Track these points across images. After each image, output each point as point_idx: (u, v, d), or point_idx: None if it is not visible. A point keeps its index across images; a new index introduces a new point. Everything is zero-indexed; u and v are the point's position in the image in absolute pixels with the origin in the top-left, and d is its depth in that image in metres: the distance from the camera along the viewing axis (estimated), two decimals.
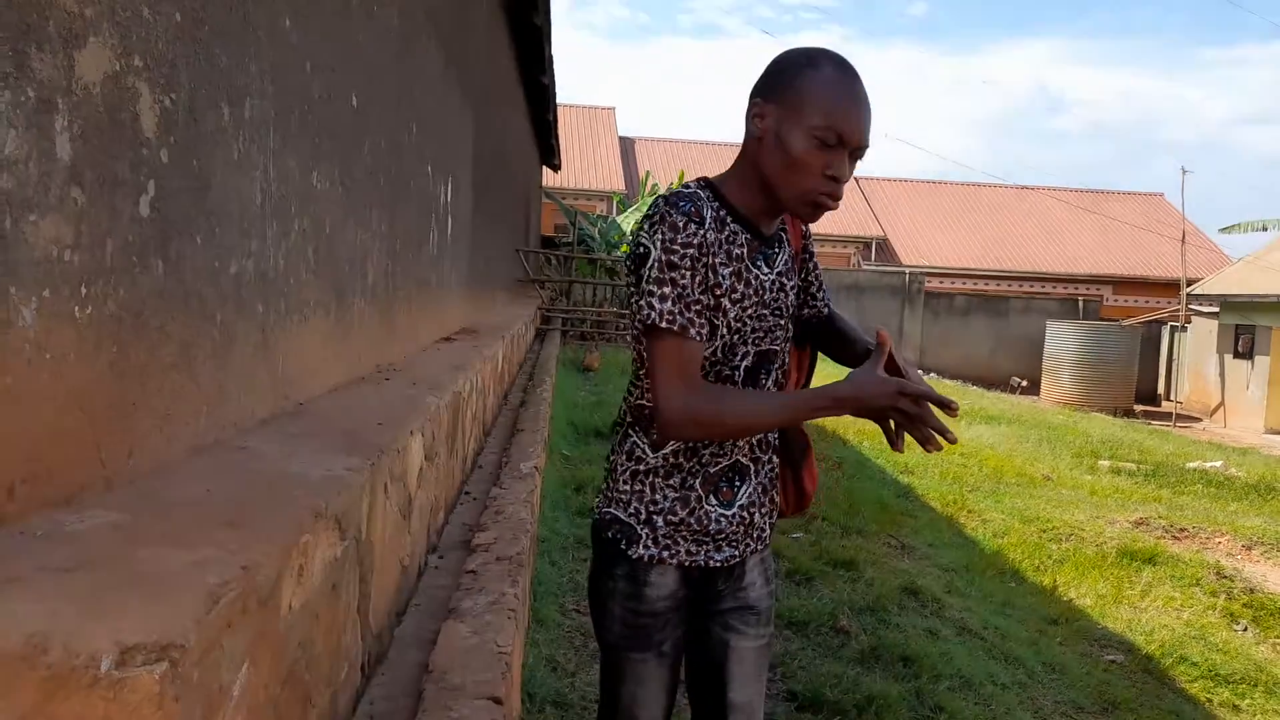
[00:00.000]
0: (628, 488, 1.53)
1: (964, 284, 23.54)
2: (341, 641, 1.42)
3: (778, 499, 1.65)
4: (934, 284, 21.38)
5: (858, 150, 1.38)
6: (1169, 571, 4.92)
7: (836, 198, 1.41)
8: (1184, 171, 19.13)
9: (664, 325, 1.36)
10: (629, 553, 1.51)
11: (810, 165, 1.36)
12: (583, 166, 25.25)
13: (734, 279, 1.42)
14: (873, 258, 24.16)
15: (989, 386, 16.52)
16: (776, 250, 1.51)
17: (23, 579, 0.87)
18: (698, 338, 1.38)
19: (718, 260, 1.39)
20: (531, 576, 3.05)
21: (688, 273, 1.36)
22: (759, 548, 1.61)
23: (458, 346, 3.67)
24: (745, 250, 1.44)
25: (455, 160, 4.08)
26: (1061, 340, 16.73)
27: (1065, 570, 4.88)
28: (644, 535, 1.51)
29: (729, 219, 1.43)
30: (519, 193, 9.30)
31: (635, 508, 1.52)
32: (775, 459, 1.62)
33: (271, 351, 1.70)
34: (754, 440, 1.54)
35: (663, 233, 1.37)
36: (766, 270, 1.48)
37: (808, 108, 1.35)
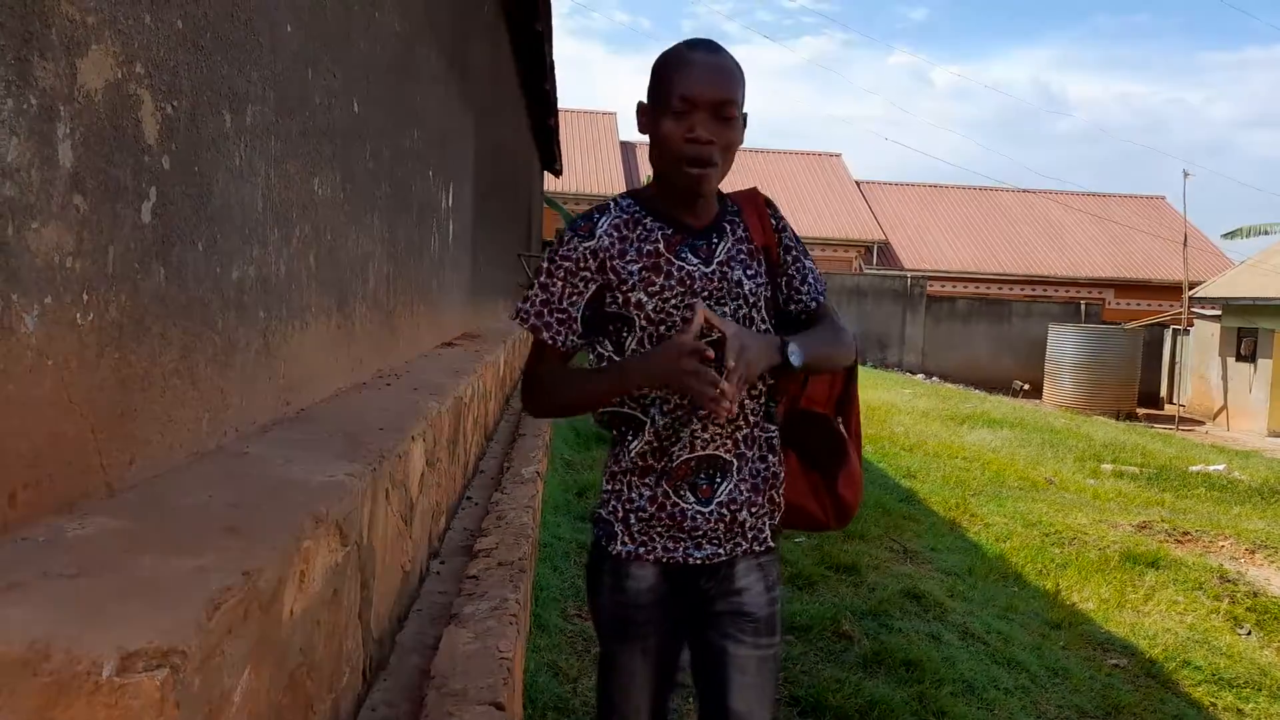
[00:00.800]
0: (609, 488, 1.60)
1: (966, 287, 23.53)
2: (343, 647, 1.42)
3: (779, 500, 1.62)
4: (936, 288, 21.38)
5: (718, 107, 1.42)
6: (1172, 575, 4.91)
7: (704, 158, 1.43)
8: (1186, 174, 19.17)
9: (518, 320, 1.55)
10: (609, 549, 1.57)
11: (672, 136, 1.44)
12: (584, 171, 25.28)
13: (648, 272, 1.49)
14: (874, 262, 24.17)
15: (991, 390, 16.50)
16: (715, 242, 1.52)
17: (25, 585, 0.87)
18: (550, 340, 1.52)
19: (619, 261, 1.49)
20: (533, 582, 3.05)
21: (560, 283, 1.51)
22: (753, 549, 1.58)
23: (459, 351, 3.68)
24: (663, 244, 1.50)
25: (456, 166, 4.08)
26: (1064, 344, 16.71)
27: (1068, 574, 4.87)
28: (620, 532, 1.57)
29: (646, 218, 1.52)
30: (520, 198, 9.32)
31: (614, 505, 1.58)
32: (773, 459, 1.60)
33: (273, 357, 1.70)
34: (738, 436, 1.53)
35: (551, 248, 1.54)
36: (696, 261, 1.50)
37: (660, 91, 1.46)
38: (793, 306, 1.63)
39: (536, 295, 1.52)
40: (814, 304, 1.64)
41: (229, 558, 1.01)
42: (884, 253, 24.63)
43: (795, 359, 1.46)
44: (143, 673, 0.79)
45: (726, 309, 1.51)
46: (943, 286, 22.75)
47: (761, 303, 1.55)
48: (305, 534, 1.18)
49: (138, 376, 1.20)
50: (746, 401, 1.54)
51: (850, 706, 2.94)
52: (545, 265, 1.53)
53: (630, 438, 1.55)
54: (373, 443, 1.70)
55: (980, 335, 18.91)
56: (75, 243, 1.05)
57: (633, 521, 1.56)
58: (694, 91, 1.42)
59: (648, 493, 1.54)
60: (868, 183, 27.95)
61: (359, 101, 2.25)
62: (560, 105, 10.64)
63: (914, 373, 17.95)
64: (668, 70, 1.46)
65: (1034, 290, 23.83)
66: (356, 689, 1.53)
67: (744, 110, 1.50)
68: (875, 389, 12.91)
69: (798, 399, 1.70)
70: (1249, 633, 4.34)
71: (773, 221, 1.61)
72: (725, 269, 1.52)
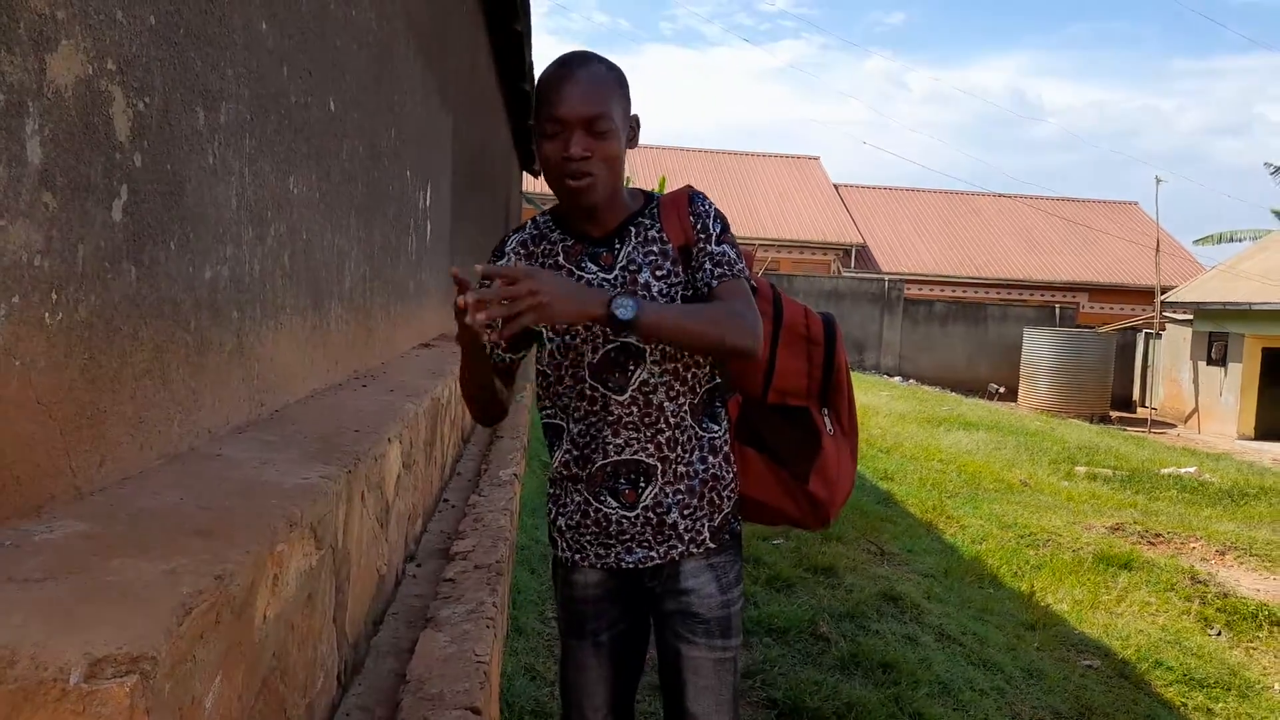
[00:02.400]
0: (549, 494, 1.65)
1: (943, 291, 23.71)
2: (317, 651, 1.40)
3: (721, 501, 1.58)
4: (913, 291, 21.53)
5: (589, 123, 1.43)
6: (1144, 577, 4.97)
7: (581, 174, 1.44)
8: (1158, 181, 19.39)
9: (457, 341, 1.57)
10: (558, 554, 1.64)
11: (551, 158, 1.46)
12: None
13: None
14: (852, 265, 24.31)
15: (967, 393, 16.65)
16: (617, 248, 1.52)
17: None
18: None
19: None
20: (510, 585, 3.04)
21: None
22: (690, 550, 1.56)
23: (436, 352, 3.65)
24: (563, 255, 1.54)
25: (434, 165, 4.06)
26: (1038, 347, 16.89)
27: (1042, 576, 4.92)
28: (558, 539, 1.62)
29: (554, 233, 1.56)
30: (499, 197, 9.29)
31: (553, 513, 1.63)
32: (714, 460, 1.57)
33: (247, 357, 1.68)
34: (660, 440, 1.51)
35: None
36: (595, 268, 1.52)
37: (537, 116, 1.48)
38: (701, 290, 1.53)
39: None
40: (706, 289, 1.51)
41: (200, 561, 1.00)
42: (862, 256, 24.78)
43: (622, 312, 1.31)
44: (111, 679, 0.78)
45: None
46: (920, 290, 22.92)
47: (676, 302, 1.51)
48: (279, 537, 1.17)
49: (108, 377, 1.18)
50: (666, 404, 1.51)
51: (828, 708, 2.95)
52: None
53: (555, 447, 1.60)
54: (348, 445, 1.68)
55: (957, 338, 19.07)
56: (44, 241, 1.03)
57: (564, 529, 1.60)
58: (562, 111, 1.43)
59: (574, 500, 1.58)
60: (846, 186, 28.10)
61: (335, 100, 2.23)
62: None
63: (891, 375, 18.08)
64: (541, 92, 1.48)
65: (1010, 294, 24.07)
66: (331, 693, 1.51)
67: (631, 115, 1.50)
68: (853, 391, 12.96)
69: (758, 394, 1.66)
70: (1219, 633, 4.40)
71: (691, 219, 1.55)
72: (626, 273, 1.51)
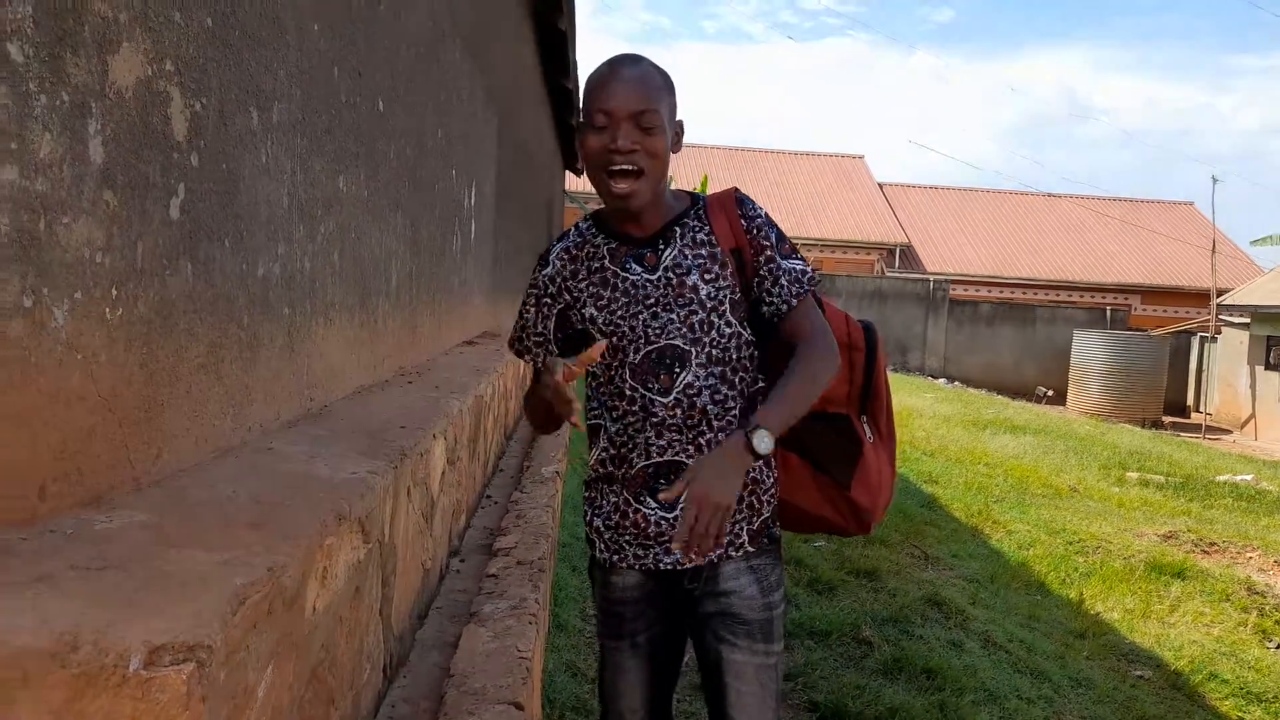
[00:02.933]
0: (585, 496, 1.65)
1: (990, 292, 23.31)
2: (364, 643, 1.42)
3: (761, 505, 1.57)
4: (959, 291, 21.20)
5: (638, 117, 1.44)
6: (1199, 586, 4.83)
7: (625, 167, 1.45)
8: (1215, 180, 18.84)
9: (513, 351, 1.68)
10: (594, 554, 1.65)
11: (595, 149, 1.46)
12: None
13: (596, 286, 1.54)
14: (896, 265, 24.00)
15: (1014, 396, 16.34)
16: (661, 249, 1.52)
17: (53, 577, 0.88)
18: (532, 363, 1.64)
19: (571, 282, 1.57)
20: (552, 581, 3.05)
21: (531, 308, 1.63)
22: (730, 553, 1.55)
23: (480, 350, 3.69)
24: (608, 257, 1.54)
25: (479, 164, 4.10)
26: (1089, 350, 16.51)
27: (1092, 583, 4.81)
28: (596, 540, 1.62)
29: (598, 237, 1.57)
30: (541, 196, 9.34)
31: (589, 515, 1.63)
32: (755, 463, 1.51)
33: (297, 354, 1.71)
34: (700, 442, 1.52)
35: (532, 275, 1.64)
36: (640, 269, 1.52)
37: (584, 110, 1.49)
38: (765, 309, 1.57)
39: (518, 324, 1.65)
40: (786, 307, 1.55)
41: (253, 553, 1.01)
42: (906, 256, 24.46)
43: (764, 446, 1.38)
44: (169, 667, 0.79)
45: (675, 315, 1.50)
46: (966, 290, 22.56)
47: (725, 306, 1.52)
48: (328, 531, 1.19)
49: (165, 371, 1.20)
50: (710, 408, 1.52)
51: (870, 714, 2.91)
52: (524, 296, 1.64)
53: (593, 448, 1.61)
54: (395, 440, 1.70)
55: (1004, 340, 18.72)
56: (105, 238, 1.06)
57: (603, 530, 1.60)
58: (612, 104, 1.44)
59: (611, 501, 1.58)
60: (890, 185, 27.77)
61: (384, 100, 2.26)
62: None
63: (935, 377, 17.81)
64: (588, 90, 1.48)
65: (1059, 295, 23.58)
66: (377, 686, 1.53)
67: (677, 119, 1.51)
68: (896, 393, 12.73)
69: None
70: (1277, 646, 4.26)
71: (743, 222, 1.55)
72: (672, 274, 1.51)
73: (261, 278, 1.52)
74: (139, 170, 1.12)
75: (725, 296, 1.52)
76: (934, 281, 19.24)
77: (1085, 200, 27.73)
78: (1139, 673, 3.73)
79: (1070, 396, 16.79)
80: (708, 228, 1.54)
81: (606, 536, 1.59)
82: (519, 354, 1.66)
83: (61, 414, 1.00)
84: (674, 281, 1.51)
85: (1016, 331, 18.75)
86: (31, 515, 0.97)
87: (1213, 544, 5.80)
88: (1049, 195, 28.22)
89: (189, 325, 1.26)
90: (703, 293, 1.50)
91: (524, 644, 1.68)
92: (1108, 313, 19.11)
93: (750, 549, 1.56)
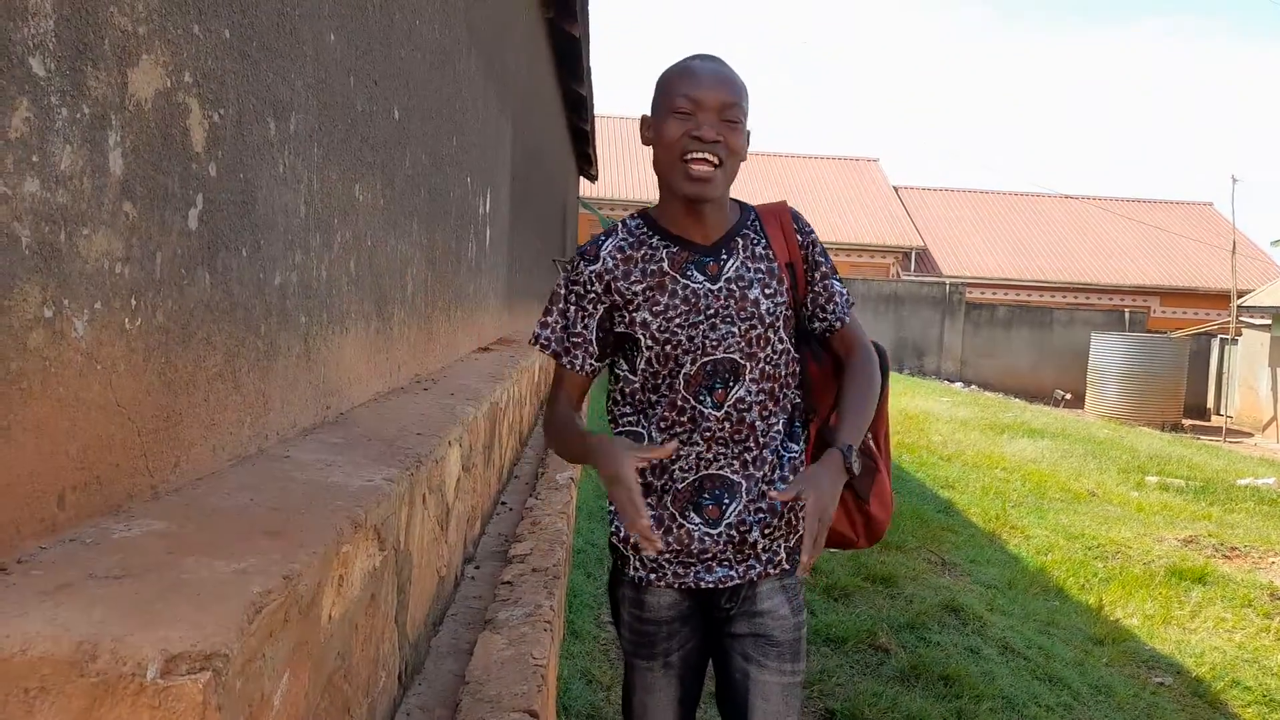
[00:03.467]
0: (611, 512, 1.57)
1: (1006, 294, 23.15)
2: (380, 651, 1.43)
3: (798, 522, 1.56)
4: (975, 294, 21.07)
5: (722, 109, 1.42)
6: (1220, 592, 4.77)
7: (707, 155, 1.42)
8: (1234, 180, 18.65)
9: (537, 346, 1.56)
10: (625, 571, 1.57)
11: (673, 135, 1.43)
12: (620, 177, 25.36)
13: (652, 291, 1.48)
14: (912, 268, 23.90)
15: (1031, 399, 16.21)
16: (724, 259, 1.49)
17: (73, 586, 0.89)
18: (569, 365, 1.54)
19: (623, 282, 1.49)
20: (567, 588, 3.05)
21: (572, 306, 1.53)
22: (767, 570, 1.54)
23: (495, 357, 3.70)
24: (668, 262, 1.49)
25: (494, 171, 4.11)
26: (1107, 352, 16.37)
27: (1111, 589, 4.76)
28: (631, 557, 1.56)
29: (654, 238, 1.51)
30: (556, 203, 9.36)
31: (624, 531, 1.55)
32: (788, 480, 1.53)
33: (313, 362, 1.72)
34: (746, 457, 1.50)
35: (564, 273, 1.54)
36: (702, 279, 1.48)
37: (663, 97, 1.46)
38: (816, 324, 1.59)
39: (555, 321, 1.54)
40: (839, 323, 1.59)
41: (270, 561, 1.02)
42: (922, 259, 24.34)
43: (856, 466, 1.45)
44: (186, 675, 0.80)
45: (735, 328, 1.47)
46: (982, 293, 22.41)
47: (780, 322, 1.51)
48: (344, 538, 1.19)
49: (183, 380, 1.21)
50: (758, 423, 1.50)
51: None
52: (560, 291, 1.54)
53: None
54: (410, 448, 1.71)
55: (1021, 343, 18.59)
56: (124, 249, 1.07)
57: (640, 546, 1.51)
58: (699, 93, 1.42)
59: (651, 513, 1.50)
60: (906, 188, 27.65)
61: (399, 109, 2.27)
62: (596, 111, 10.69)
63: (952, 381, 17.70)
64: (671, 78, 1.46)
65: (1076, 298, 23.39)
66: (392, 693, 1.54)
67: (747, 126, 1.49)
68: (912, 397, 12.75)
69: (829, 416, 1.64)
70: None
71: (798, 237, 1.56)
72: (734, 286, 1.48)
73: (279, 287, 1.53)
74: (158, 181, 1.13)
75: (781, 313, 1.51)
76: (950, 284, 19.14)
77: (1102, 201, 27.52)
78: (1159, 679, 3.68)
79: (1088, 400, 16.64)
80: (764, 240, 1.53)
81: (647, 554, 1.53)
82: (555, 355, 1.55)
83: (81, 423, 1.01)
84: (736, 294, 1.48)
85: (1033, 334, 18.62)
86: (51, 524, 0.98)
87: (1234, 549, 5.73)
88: (1065, 197, 28.03)
89: (207, 334, 1.28)
90: (763, 307, 1.49)
91: (539, 651, 1.68)
92: (1126, 315, 18.95)
93: (786, 566, 1.55)
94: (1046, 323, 18.72)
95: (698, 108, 1.42)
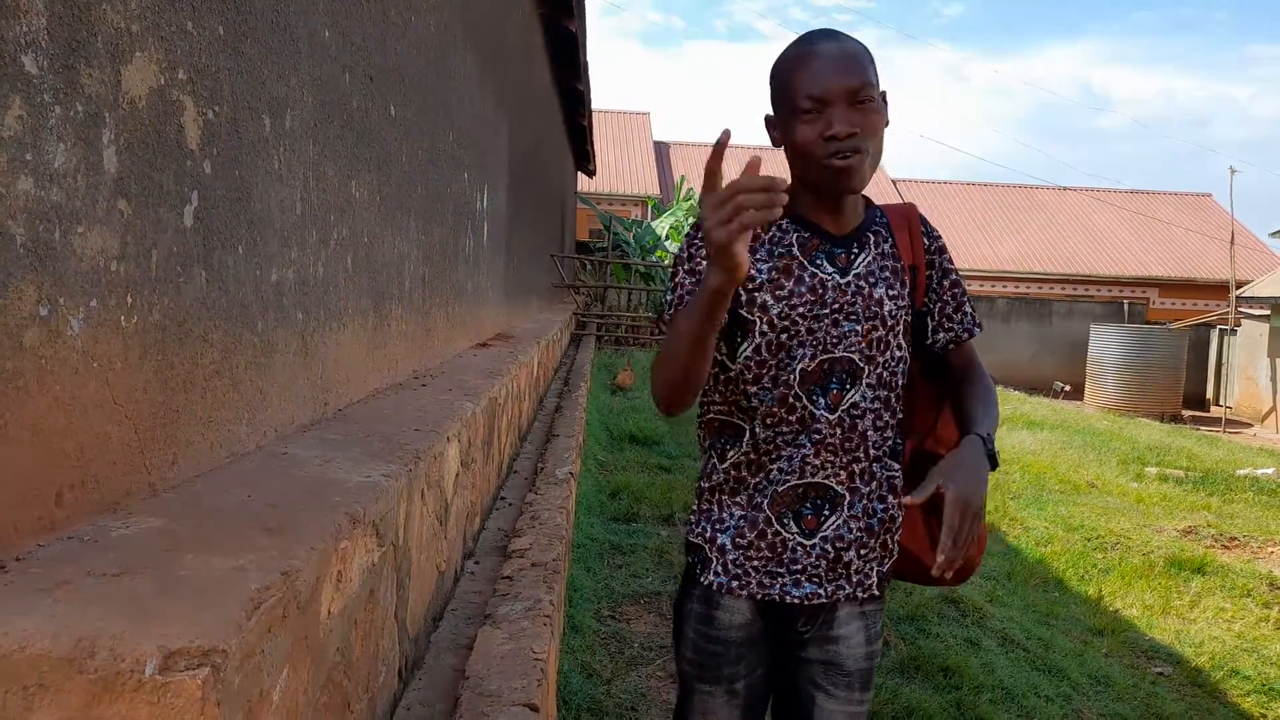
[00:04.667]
0: (698, 508, 1.48)
1: (1005, 287, 23.16)
2: (379, 647, 1.43)
3: (893, 546, 1.46)
4: (974, 287, 21.08)
5: (851, 95, 1.30)
6: (1219, 582, 4.78)
7: (847, 151, 1.31)
8: (1232, 171, 18.63)
9: (669, 313, 1.38)
10: (700, 578, 1.44)
11: (807, 139, 1.33)
12: (617, 171, 25.30)
13: (778, 274, 1.37)
14: None
15: (1031, 391, 16.22)
16: (855, 252, 1.41)
17: (71, 583, 0.89)
18: None
19: (750, 256, 1.29)
20: (567, 583, 3.05)
21: (690, 279, 1.37)
22: (857, 594, 1.43)
23: (493, 352, 3.70)
24: (798, 246, 1.39)
25: (491, 167, 4.11)
26: (1106, 344, 16.37)
27: (1111, 580, 4.77)
28: (714, 560, 1.43)
29: (784, 220, 1.40)
30: (554, 198, 9.35)
31: (703, 528, 1.45)
32: (892, 500, 1.44)
33: (311, 358, 1.72)
34: (854, 469, 1.40)
35: (685, 243, 1.41)
36: (831, 269, 1.38)
37: (786, 97, 1.35)
38: (941, 335, 1.49)
39: (683, 280, 1.37)
40: (966, 335, 1.49)
41: (268, 557, 1.02)
42: None
43: (996, 462, 1.36)
44: (184, 672, 0.80)
45: (859, 327, 1.38)
46: (982, 286, 22.41)
47: (900, 326, 1.42)
48: (343, 534, 1.19)
49: (180, 378, 1.21)
50: (870, 433, 1.40)
51: (887, 712, 2.90)
52: (687, 251, 1.39)
53: (728, 448, 1.43)
54: (409, 443, 1.71)
55: (1020, 335, 18.59)
56: (119, 247, 1.07)
57: (728, 548, 1.42)
58: (820, 88, 1.30)
59: (740, 513, 1.41)
60: (904, 180, 27.63)
61: (395, 104, 2.27)
62: (594, 105, 10.68)
63: None
64: (787, 73, 1.35)
65: (1075, 290, 23.39)
66: (392, 688, 1.54)
67: (881, 89, 1.36)
68: None
69: (924, 439, 1.53)
70: None
71: (926, 241, 1.47)
72: (863, 283, 1.39)
73: (275, 284, 1.53)
74: (153, 179, 1.13)
75: (902, 316, 1.42)
76: None
77: (1101, 193, 27.50)
78: (1159, 670, 3.69)
79: (1088, 391, 16.65)
80: (891, 239, 1.44)
81: (731, 556, 1.41)
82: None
83: (78, 421, 1.01)
84: (864, 290, 1.39)
85: (1033, 327, 18.62)
86: (49, 522, 0.98)
87: (1233, 539, 5.74)
88: (1063, 189, 28.01)
89: (203, 332, 1.28)
90: (886, 308, 1.40)
91: (539, 646, 1.69)
92: (1125, 306, 18.95)
93: (876, 592, 1.45)
94: (1045, 315, 18.72)
95: (824, 104, 1.30)
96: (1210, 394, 17.80)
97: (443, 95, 2.87)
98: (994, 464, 1.36)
